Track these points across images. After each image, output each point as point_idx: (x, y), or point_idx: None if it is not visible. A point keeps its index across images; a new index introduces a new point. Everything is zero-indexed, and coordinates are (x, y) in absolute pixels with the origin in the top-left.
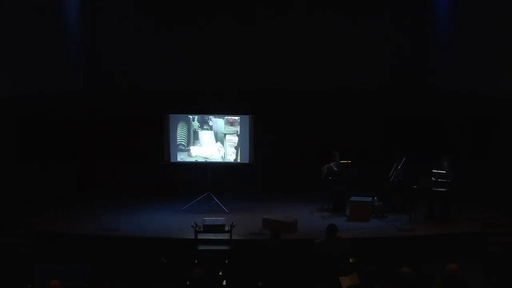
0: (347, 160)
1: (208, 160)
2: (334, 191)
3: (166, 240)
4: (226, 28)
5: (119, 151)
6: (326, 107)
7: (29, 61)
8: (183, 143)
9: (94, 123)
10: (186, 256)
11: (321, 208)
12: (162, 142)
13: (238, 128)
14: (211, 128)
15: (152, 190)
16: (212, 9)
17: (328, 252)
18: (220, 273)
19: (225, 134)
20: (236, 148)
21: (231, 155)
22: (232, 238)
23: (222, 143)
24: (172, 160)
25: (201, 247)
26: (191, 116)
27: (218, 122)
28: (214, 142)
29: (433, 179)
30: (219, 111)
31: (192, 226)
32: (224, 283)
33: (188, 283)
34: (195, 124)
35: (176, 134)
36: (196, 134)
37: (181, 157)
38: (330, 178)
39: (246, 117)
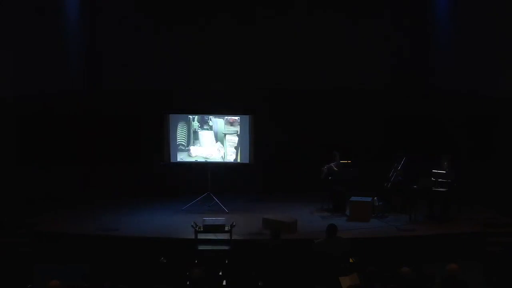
0: (347, 160)
1: (208, 160)
2: (334, 191)
3: (166, 240)
4: (226, 28)
5: (119, 151)
6: (326, 107)
7: (29, 61)
8: (183, 143)
9: (94, 123)
10: (186, 256)
11: (321, 208)
12: (162, 142)
13: (238, 128)
14: (211, 128)
15: (152, 190)
16: (212, 9)
17: (328, 252)
18: (220, 273)
19: (225, 134)
20: (236, 148)
21: (231, 155)
22: (232, 238)
23: (222, 143)
24: (172, 160)
25: (201, 247)
26: (191, 116)
27: (218, 122)
28: (214, 142)
29: (433, 179)
30: (219, 111)
31: (192, 226)
32: (224, 283)
33: (188, 283)
34: (195, 124)
35: (176, 134)
36: (196, 134)
37: (181, 157)
38: (330, 178)
39: (246, 117)
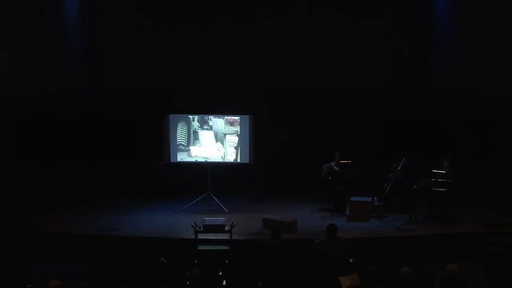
0: (347, 160)
1: (208, 160)
2: (334, 191)
3: (166, 240)
4: (226, 28)
5: (119, 151)
6: (326, 107)
7: (29, 61)
8: (183, 143)
9: (94, 123)
10: (186, 256)
11: (321, 208)
12: (162, 142)
13: (238, 128)
14: (211, 128)
15: (152, 190)
16: (212, 9)
17: (328, 252)
18: (220, 273)
19: (225, 134)
20: (236, 148)
21: (231, 155)
22: (232, 238)
23: (222, 143)
24: (172, 160)
25: (201, 247)
26: (191, 116)
27: (218, 122)
28: (214, 142)
29: (433, 179)
30: (219, 111)
31: (192, 226)
32: (224, 283)
33: (188, 283)
34: (195, 124)
35: (176, 134)
36: (196, 134)
37: (181, 157)
38: (330, 178)
39: (246, 117)
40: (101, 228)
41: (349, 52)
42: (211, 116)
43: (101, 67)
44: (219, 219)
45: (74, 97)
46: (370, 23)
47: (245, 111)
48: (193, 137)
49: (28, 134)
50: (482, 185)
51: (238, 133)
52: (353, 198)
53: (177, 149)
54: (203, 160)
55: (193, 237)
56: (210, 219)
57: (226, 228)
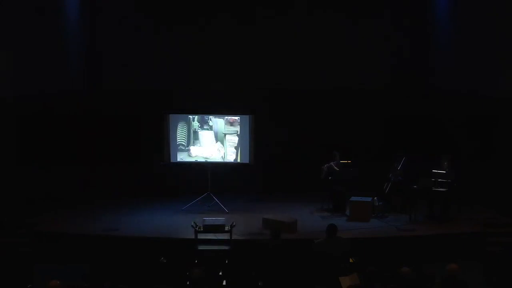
0: (347, 160)
1: (208, 160)
2: (334, 191)
3: (166, 240)
4: (226, 28)
5: (119, 151)
6: (326, 107)
7: (29, 61)
8: (183, 143)
9: (94, 123)
10: (186, 256)
11: (321, 208)
12: (162, 142)
13: (238, 128)
14: (211, 128)
15: (152, 190)
16: (212, 9)
17: (328, 252)
18: (220, 273)
19: (225, 134)
20: (236, 148)
21: (231, 155)
22: (232, 238)
23: (222, 143)
24: (172, 160)
25: (201, 247)
26: (191, 116)
27: (218, 122)
28: (214, 142)
29: (433, 179)
30: (219, 111)
31: (192, 226)
32: (224, 283)
33: (188, 283)
34: (195, 124)
35: (176, 134)
36: (196, 134)
37: (181, 157)
38: (330, 178)
39: (246, 117)
40: (101, 228)
41: (349, 52)
42: (211, 116)
43: (101, 67)
44: (219, 219)
45: (74, 97)
46: (370, 23)
47: (245, 111)
48: (193, 137)
49: (28, 134)
50: (482, 185)
51: (238, 133)
52: (353, 198)
53: (177, 149)
54: (203, 160)
55: (193, 237)
56: (210, 219)
57: (226, 228)
